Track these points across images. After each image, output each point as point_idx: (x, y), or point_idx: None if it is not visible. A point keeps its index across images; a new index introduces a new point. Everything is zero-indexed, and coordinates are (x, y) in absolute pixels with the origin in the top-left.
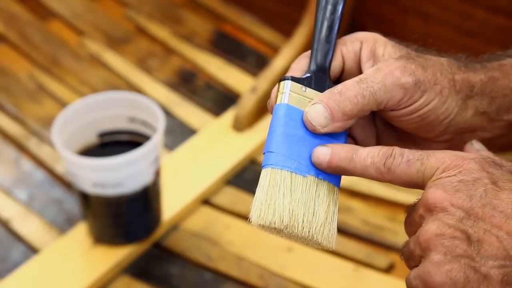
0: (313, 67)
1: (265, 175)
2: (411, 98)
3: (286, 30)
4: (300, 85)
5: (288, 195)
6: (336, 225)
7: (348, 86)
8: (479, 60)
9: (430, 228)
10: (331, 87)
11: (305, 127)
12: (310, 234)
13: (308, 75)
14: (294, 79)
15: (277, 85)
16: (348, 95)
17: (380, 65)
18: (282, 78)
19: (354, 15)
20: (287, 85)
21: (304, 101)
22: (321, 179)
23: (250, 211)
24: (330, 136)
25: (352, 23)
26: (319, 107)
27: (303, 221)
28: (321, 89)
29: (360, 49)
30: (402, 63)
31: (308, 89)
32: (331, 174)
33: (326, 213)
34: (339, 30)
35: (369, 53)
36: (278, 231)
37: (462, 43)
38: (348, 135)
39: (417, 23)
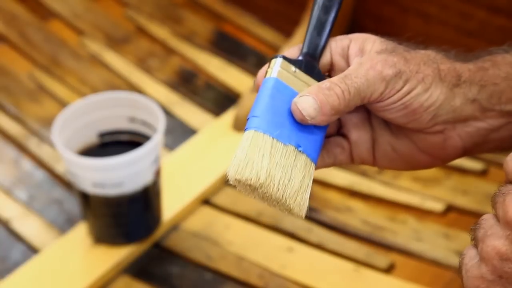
0: (304, 51)
1: (248, 136)
2: (393, 89)
3: (286, 30)
4: (291, 65)
5: (267, 157)
6: (308, 196)
7: (335, 82)
8: (470, 55)
9: None
10: (320, 73)
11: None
12: (284, 198)
13: (300, 58)
14: (285, 58)
15: (267, 64)
16: (336, 91)
17: (362, 60)
18: (273, 56)
19: (354, 15)
20: (278, 62)
21: (293, 80)
22: (300, 151)
23: (228, 167)
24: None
25: (352, 23)
26: (309, 99)
27: (278, 183)
28: (310, 73)
29: (348, 46)
30: (383, 57)
31: (298, 70)
32: (310, 147)
33: (301, 183)
34: (332, 27)
35: (358, 50)
36: (252, 190)
37: (462, 43)
38: (342, 134)
39: (417, 23)
